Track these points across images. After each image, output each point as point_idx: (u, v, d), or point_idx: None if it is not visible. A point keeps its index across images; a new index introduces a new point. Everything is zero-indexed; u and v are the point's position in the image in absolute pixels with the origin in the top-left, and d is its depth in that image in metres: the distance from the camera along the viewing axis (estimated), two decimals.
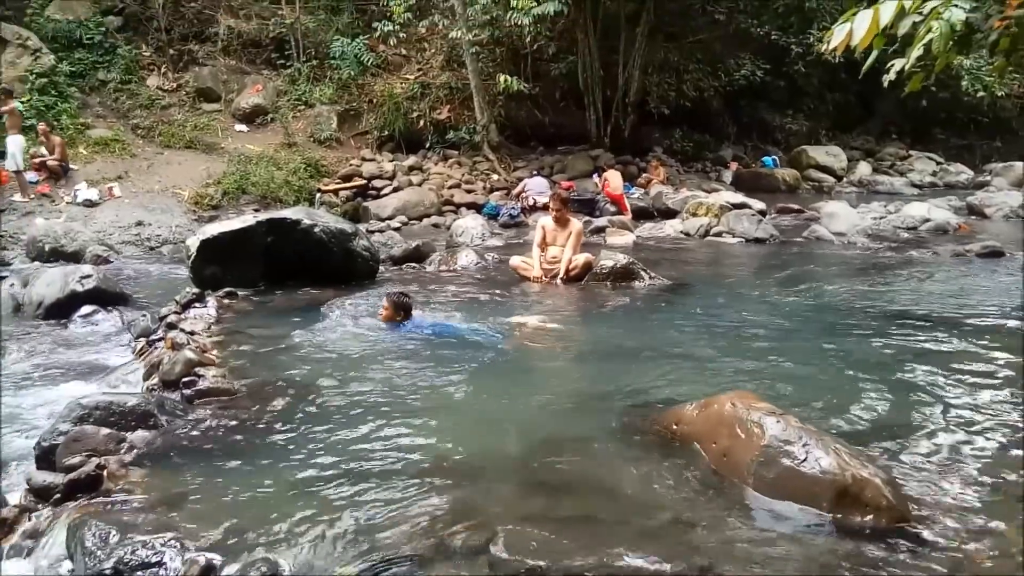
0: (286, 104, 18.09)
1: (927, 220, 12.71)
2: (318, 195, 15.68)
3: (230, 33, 18.81)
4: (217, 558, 2.46)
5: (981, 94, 18.80)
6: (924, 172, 22.25)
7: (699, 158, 20.94)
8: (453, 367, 4.78)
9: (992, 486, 2.99)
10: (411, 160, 17.49)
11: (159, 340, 5.54)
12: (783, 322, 6.09)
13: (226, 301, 6.57)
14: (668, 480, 3.03)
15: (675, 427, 3.42)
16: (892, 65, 3.98)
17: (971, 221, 13.71)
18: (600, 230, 12.21)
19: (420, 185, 16.54)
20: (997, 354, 4.94)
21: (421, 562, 2.41)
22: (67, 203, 13.45)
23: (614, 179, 15.74)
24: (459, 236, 12.26)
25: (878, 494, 2.67)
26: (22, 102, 14.62)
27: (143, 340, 5.96)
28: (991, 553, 2.51)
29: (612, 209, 15.10)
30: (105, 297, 7.89)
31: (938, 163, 23.06)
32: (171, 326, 5.72)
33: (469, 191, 16.64)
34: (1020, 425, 3.64)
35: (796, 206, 15.22)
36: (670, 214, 14.50)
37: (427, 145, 17.97)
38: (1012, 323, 5.89)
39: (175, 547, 2.52)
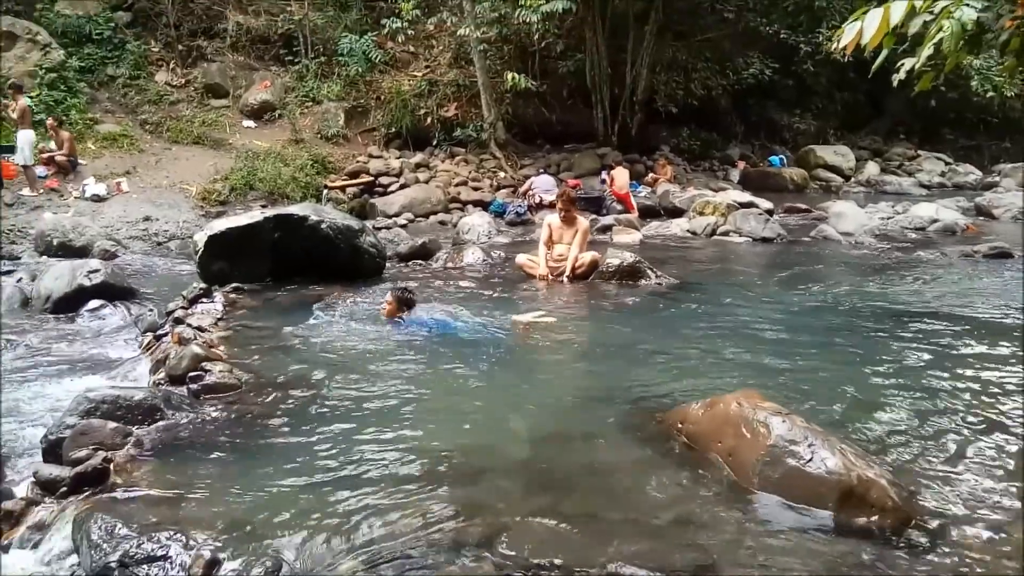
0: (294, 100, 18.12)
1: (935, 221, 12.67)
2: (325, 192, 15.71)
3: (239, 29, 18.84)
4: (222, 552, 2.46)
5: (991, 94, 18.71)
6: (932, 172, 22.17)
7: (706, 157, 20.90)
8: (458, 364, 4.78)
9: (998, 487, 2.97)
10: (418, 157, 17.50)
11: (166, 335, 5.55)
12: (789, 322, 6.07)
13: (233, 296, 6.59)
14: (673, 479, 3.03)
15: (680, 426, 3.41)
16: (902, 64, 3.96)
17: (979, 222, 13.66)
18: (607, 228, 12.20)
19: (427, 182, 16.55)
20: (1004, 355, 4.92)
21: (425, 559, 2.42)
22: (75, 198, 13.51)
23: (620, 177, 15.72)
24: (465, 234, 12.26)
25: (884, 495, 2.66)
26: (31, 97, 14.68)
27: (150, 335, 5.97)
28: (997, 554, 2.49)
29: (619, 207, 15.09)
30: (113, 292, 7.91)
31: (947, 163, 22.98)
32: (178, 321, 5.73)
33: (476, 189, 16.64)
34: None
35: (803, 206, 15.19)
36: (677, 213, 14.49)
37: (434, 142, 17.98)
38: (1019, 324, 5.86)
39: (181, 541, 2.53)
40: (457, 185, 16.63)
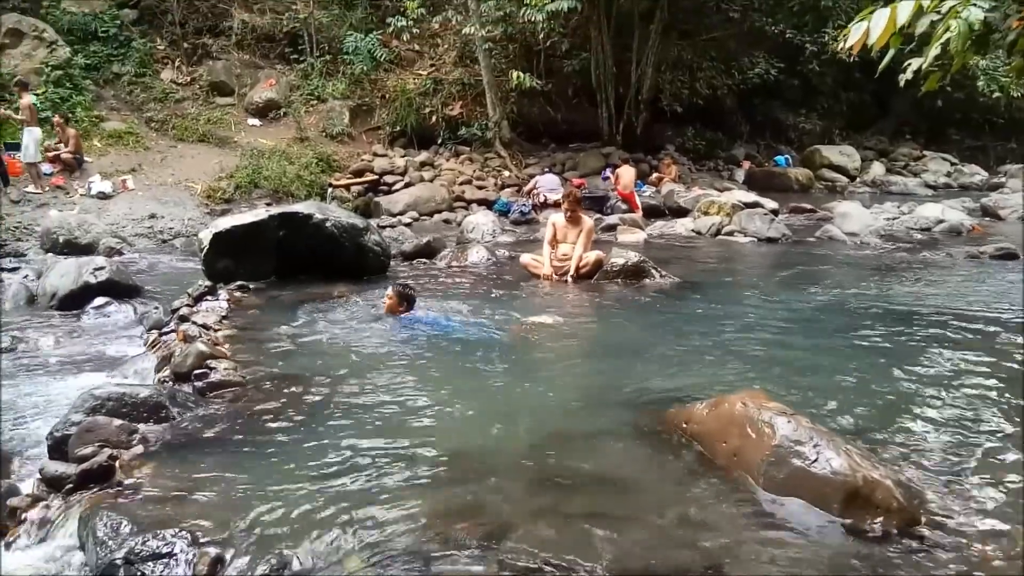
0: (299, 99, 18.13)
1: (941, 221, 12.63)
2: (329, 190, 15.72)
3: (244, 27, 18.86)
4: (227, 550, 2.47)
5: (997, 95, 18.67)
6: (938, 173, 22.12)
7: (711, 156, 20.87)
8: (461, 364, 4.79)
9: (1004, 488, 2.97)
10: (423, 156, 17.51)
11: (171, 332, 5.57)
12: (794, 322, 6.06)
13: (238, 294, 6.60)
14: (678, 479, 3.03)
15: (685, 426, 3.41)
16: (908, 64, 3.94)
17: (985, 223, 13.62)
18: (611, 228, 12.19)
19: (431, 181, 16.56)
20: (1011, 356, 4.90)
21: (429, 557, 2.42)
22: (81, 195, 13.54)
23: (626, 176, 15.70)
24: (470, 232, 12.26)
25: (889, 496, 2.66)
26: (37, 94, 14.71)
27: (155, 332, 5.99)
28: (1003, 556, 2.49)
29: (623, 207, 15.08)
30: (118, 289, 7.94)
31: (952, 164, 22.92)
32: (183, 319, 5.74)
33: (480, 187, 16.64)
34: None
35: (809, 206, 15.15)
36: (682, 212, 14.47)
37: (439, 141, 17.98)
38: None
39: (186, 538, 2.53)
40: (461, 184, 16.64)
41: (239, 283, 6.84)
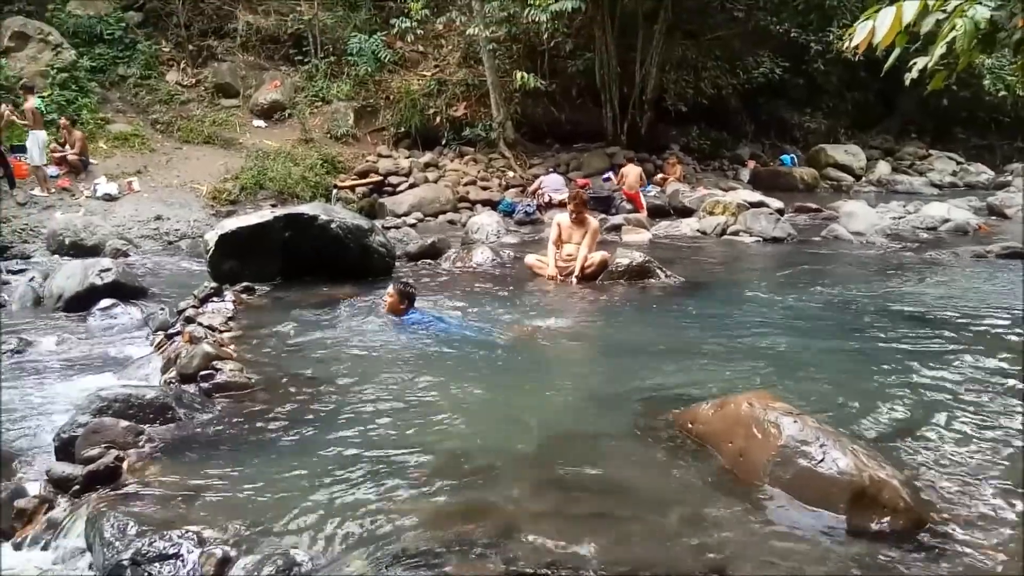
0: (303, 100, 18.16)
1: (947, 220, 12.60)
2: (334, 191, 15.74)
3: (249, 29, 18.89)
4: (234, 551, 2.47)
5: (1003, 93, 18.60)
6: (944, 172, 22.05)
7: (716, 156, 20.84)
8: (466, 364, 4.79)
9: (1012, 488, 2.96)
10: (427, 157, 17.52)
11: (177, 334, 5.58)
12: (800, 322, 6.05)
13: (243, 296, 6.61)
14: (683, 479, 3.02)
15: (691, 426, 3.40)
16: (914, 63, 3.94)
17: (991, 222, 13.57)
18: (616, 228, 12.18)
19: (436, 182, 16.57)
20: (1018, 355, 4.88)
21: (435, 557, 2.42)
22: (87, 197, 13.58)
23: (631, 175, 15.68)
24: (474, 233, 12.26)
25: (896, 496, 2.65)
26: (43, 97, 14.77)
27: (161, 333, 6.00)
28: (1010, 556, 2.48)
29: (628, 207, 15.07)
30: (124, 291, 7.96)
31: (958, 163, 22.85)
32: (189, 320, 5.75)
33: (485, 188, 16.65)
34: None
35: (814, 205, 15.12)
36: (687, 212, 14.45)
37: (443, 142, 17.99)
38: None
39: (192, 539, 2.54)
40: (466, 184, 16.65)
41: (245, 284, 6.85)
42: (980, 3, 3.38)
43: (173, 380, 4.57)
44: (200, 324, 5.49)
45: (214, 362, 4.46)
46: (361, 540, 2.53)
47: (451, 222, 15.01)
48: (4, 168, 13.16)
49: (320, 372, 4.52)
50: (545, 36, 16.79)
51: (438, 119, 17.88)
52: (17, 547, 2.98)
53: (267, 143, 16.66)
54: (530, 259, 8.24)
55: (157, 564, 2.47)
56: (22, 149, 13.64)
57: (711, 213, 12.95)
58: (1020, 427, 3.60)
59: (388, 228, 12.29)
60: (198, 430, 3.62)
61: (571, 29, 17.60)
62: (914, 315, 6.22)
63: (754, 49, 20.03)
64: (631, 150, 18.55)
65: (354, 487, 2.95)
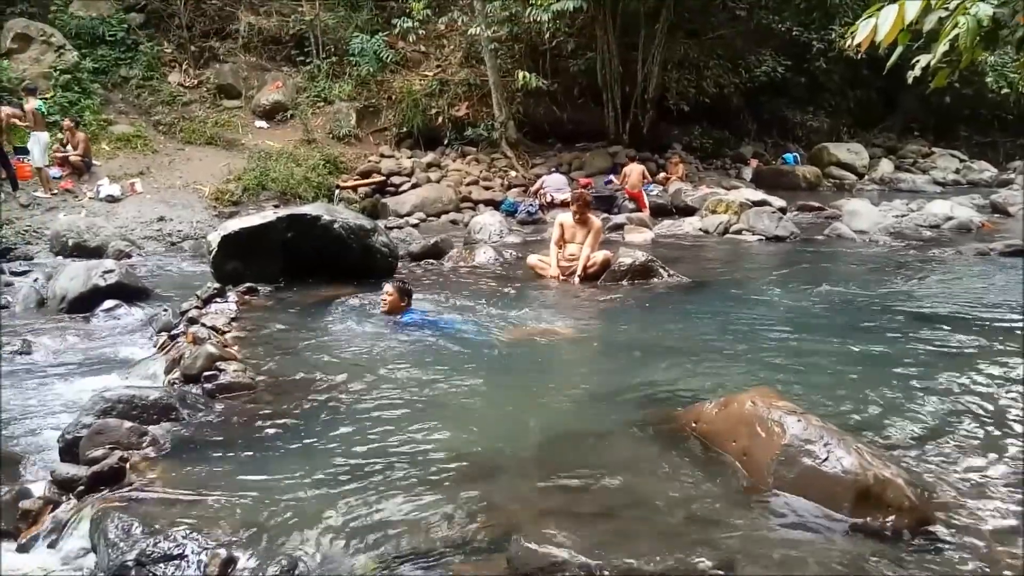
0: (305, 101, 18.17)
1: (950, 218, 12.57)
2: (337, 191, 15.75)
3: (251, 30, 18.90)
4: (238, 551, 2.48)
5: (1006, 91, 18.56)
6: (947, 170, 21.99)
7: (719, 155, 20.81)
8: (469, 364, 4.79)
9: (1016, 486, 2.95)
10: (429, 157, 17.53)
11: (180, 334, 5.59)
12: (803, 320, 6.05)
13: (246, 296, 6.62)
14: (687, 478, 3.02)
15: (694, 425, 3.40)
16: (917, 61, 3.94)
17: (995, 219, 13.54)
18: (619, 227, 12.17)
19: (438, 182, 16.58)
20: (1020, 354, 4.87)
21: (439, 557, 2.42)
22: (90, 199, 13.60)
23: (633, 174, 15.67)
24: (477, 233, 12.26)
25: (900, 494, 2.64)
26: (45, 98, 14.79)
27: (165, 334, 6.01)
28: (1015, 555, 2.47)
29: (631, 206, 15.06)
30: (127, 291, 7.97)
31: (961, 160, 22.80)
32: (192, 320, 5.76)
33: (487, 188, 16.65)
34: None
35: (817, 204, 15.09)
36: (689, 211, 14.43)
37: (445, 142, 18.00)
38: None
39: (197, 540, 2.54)
40: (468, 184, 16.65)
41: (248, 285, 6.85)
42: (982, 0, 3.37)
43: (177, 381, 4.58)
44: (203, 325, 5.49)
45: (217, 363, 4.47)
46: (365, 540, 2.53)
47: (453, 222, 15.01)
48: (7, 170, 13.19)
49: (323, 372, 4.52)
50: (547, 36, 16.79)
51: (440, 119, 17.89)
52: (22, 548, 2.98)
53: (269, 144, 16.67)
54: (532, 259, 8.24)
55: (162, 564, 2.47)
56: (25, 151, 13.67)
57: (713, 212, 12.93)
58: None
59: (391, 228, 12.29)
60: (202, 431, 3.63)
61: (573, 28, 17.59)
62: (917, 313, 6.21)
63: (756, 48, 20.00)
64: (633, 149, 18.54)
65: (358, 487, 2.95)
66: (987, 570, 2.39)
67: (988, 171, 21.83)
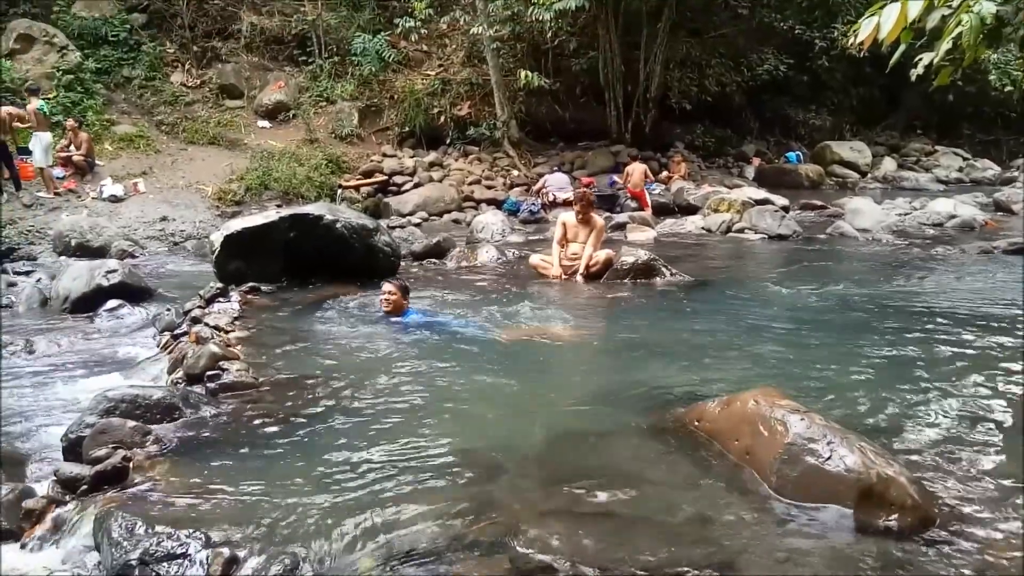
0: (308, 100, 18.20)
1: (953, 216, 12.55)
2: (339, 191, 15.77)
3: (253, 30, 18.93)
4: (241, 551, 2.48)
5: (1009, 89, 18.51)
6: (950, 168, 21.97)
7: (721, 154, 20.81)
8: (471, 363, 4.79)
9: (1020, 485, 2.94)
10: (432, 156, 17.55)
11: (184, 334, 5.59)
12: (806, 319, 6.04)
13: (249, 296, 6.62)
14: (690, 478, 3.02)
15: (697, 424, 3.40)
16: (920, 59, 3.93)
17: (998, 217, 13.51)
18: (621, 226, 12.17)
19: (440, 181, 16.59)
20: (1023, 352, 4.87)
21: (442, 556, 2.42)
22: (93, 199, 13.62)
23: (636, 173, 15.67)
24: (479, 232, 12.26)
25: (904, 493, 2.64)
26: (48, 99, 14.81)
27: (168, 334, 6.02)
28: (1018, 553, 2.47)
29: (633, 205, 15.06)
30: (130, 291, 7.98)
31: (964, 159, 22.77)
32: (195, 320, 5.77)
33: (489, 187, 16.66)
34: None
35: (819, 202, 15.09)
36: (691, 210, 14.43)
37: (447, 141, 18.01)
38: None
39: (200, 539, 2.54)
40: (471, 184, 16.66)
41: (251, 284, 6.85)
42: None
43: (180, 380, 4.58)
44: (206, 324, 5.50)
45: (220, 362, 4.47)
46: (368, 539, 2.53)
47: (456, 221, 15.02)
48: (10, 170, 13.21)
49: (326, 372, 4.52)
50: (549, 35, 16.79)
51: (442, 118, 17.90)
52: (25, 547, 2.99)
53: (272, 143, 16.69)
54: (535, 259, 8.24)
55: (165, 564, 2.47)
56: (28, 151, 13.69)
57: (716, 211, 12.93)
58: None
59: (393, 227, 12.29)
60: (205, 430, 3.63)
61: (575, 28, 17.60)
62: (920, 312, 6.20)
63: (758, 46, 19.99)
64: (635, 148, 18.55)
65: (360, 486, 2.95)
66: (989, 569, 2.39)
67: (991, 169, 21.80)
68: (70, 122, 14.48)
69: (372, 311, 6.09)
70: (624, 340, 5.55)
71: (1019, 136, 24.67)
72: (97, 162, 14.68)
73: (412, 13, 17.05)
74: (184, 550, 2.50)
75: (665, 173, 17.88)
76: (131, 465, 3.17)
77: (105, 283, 7.87)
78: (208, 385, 4.25)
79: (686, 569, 2.34)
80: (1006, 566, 2.40)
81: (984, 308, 6.32)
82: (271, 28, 19.17)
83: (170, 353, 5.47)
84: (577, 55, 18.25)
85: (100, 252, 10.99)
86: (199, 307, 6.20)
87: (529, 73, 16.21)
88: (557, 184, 15.66)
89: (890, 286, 7.49)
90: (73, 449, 3.51)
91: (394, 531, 2.58)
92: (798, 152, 21.34)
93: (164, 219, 13.35)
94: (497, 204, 15.65)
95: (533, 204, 15.09)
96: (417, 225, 14.15)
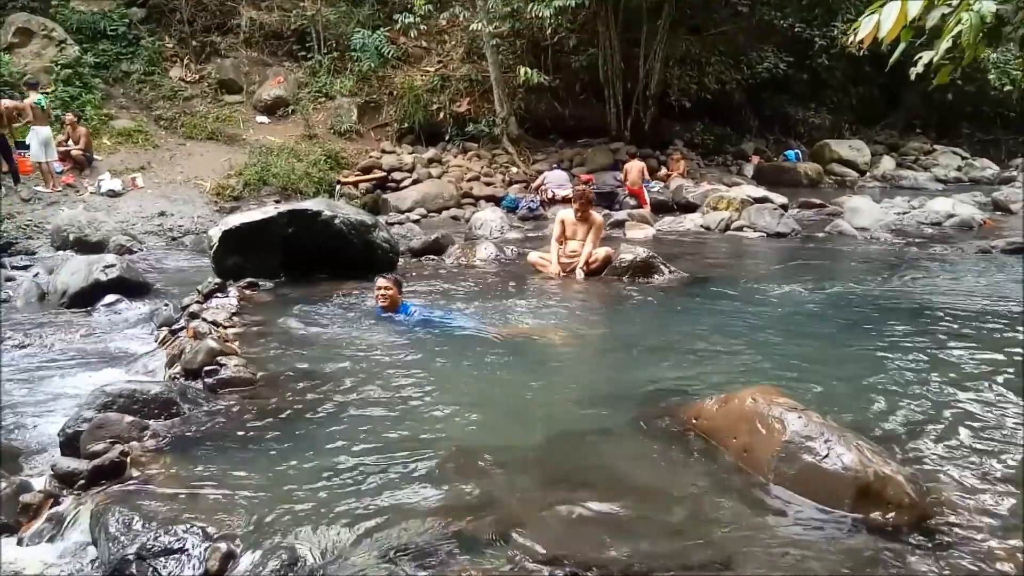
0: (307, 96, 18.17)
1: (951, 216, 12.57)
2: (338, 187, 15.76)
3: (252, 25, 18.90)
4: (238, 546, 2.48)
5: (1008, 88, 18.52)
6: (949, 167, 21.99)
7: (720, 151, 20.82)
8: (470, 360, 4.79)
9: (1017, 483, 2.95)
10: (430, 152, 17.53)
11: (181, 329, 5.59)
12: (804, 318, 6.04)
13: (247, 291, 6.62)
14: (687, 475, 3.02)
15: (695, 422, 3.40)
16: (920, 58, 3.93)
17: (996, 217, 13.53)
18: (620, 224, 12.17)
19: (439, 178, 16.58)
20: (1020, 352, 4.87)
21: (440, 553, 2.42)
22: (91, 193, 13.61)
23: (633, 171, 15.67)
24: (478, 229, 12.26)
25: (900, 491, 2.64)
26: (47, 93, 14.78)
27: (166, 329, 6.01)
28: (1015, 552, 2.47)
29: (632, 203, 15.06)
30: (128, 286, 7.98)
31: (963, 158, 22.80)
32: (193, 315, 5.76)
33: (488, 184, 16.66)
34: None
35: (818, 200, 15.11)
36: (690, 208, 14.44)
37: (447, 137, 18.00)
38: None
39: (197, 534, 2.54)
40: (470, 180, 16.66)
41: (249, 280, 6.86)
42: None
43: (177, 375, 4.58)
44: (204, 320, 5.50)
45: (218, 357, 4.47)
46: (365, 536, 2.53)
47: (455, 218, 15.02)
48: (9, 163, 13.19)
49: (324, 368, 4.52)
50: (549, 31, 16.77)
51: (441, 115, 17.89)
52: (22, 542, 2.99)
53: (270, 139, 16.67)
54: (533, 256, 8.24)
55: (162, 559, 2.47)
56: (27, 146, 13.65)
57: (715, 208, 12.93)
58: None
59: (392, 224, 12.29)
60: (202, 425, 3.63)
61: (575, 24, 17.58)
62: (919, 311, 6.20)
63: (758, 44, 19.99)
64: (634, 146, 18.55)
65: (358, 483, 2.96)
66: (987, 567, 2.39)
67: (990, 168, 21.83)
68: (68, 116, 14.46)
69: (370, 307, 6.09)
70: (622, 338, 5.55)
71: (1018, 136, 24.68)
72: (95, 157, 14.64)
73: (411, 9, 17.04)
74: (181, 545, 2.50)
75: (664, 171, 17.88)
76: (128, 460, 3.17)
77: (103, 278, 7.86)
78: (206, 380, 4.25)
79: (684, 567, 2.34)
80: (1002, 564, 2.41)
81: (982, 308, 6.32)
82: (270, 23, 19.14)
83: (168, 348, 5.47)
84: (577, 52, 18.24)
85: (98, 247, 10.98)
86: (197, 302, 6.20)
87: (528, 70, 16.20)
88: (556, 181, 15.66)
89: (888, 285, 7.49)
90: (71, 444, 3.50)
91: (392, 528, 2.58)
92: (797, 150, 21.35)
93: (162, 214, 13.34)
94: (496, 201, 15.66)
95: (532, 201, 15.10)
96: (416, 222, 14.15)
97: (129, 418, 3.51)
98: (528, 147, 18.25)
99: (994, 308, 6.29)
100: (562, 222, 8.00)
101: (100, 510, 2.77)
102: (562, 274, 7.77)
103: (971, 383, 4.20)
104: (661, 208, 14.89)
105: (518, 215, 14.58)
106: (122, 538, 2.57)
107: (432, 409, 3.86)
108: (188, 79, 18.09)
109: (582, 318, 6.27)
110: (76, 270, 8.06)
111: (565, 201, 12.63)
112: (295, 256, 7.32)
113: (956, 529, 2.59)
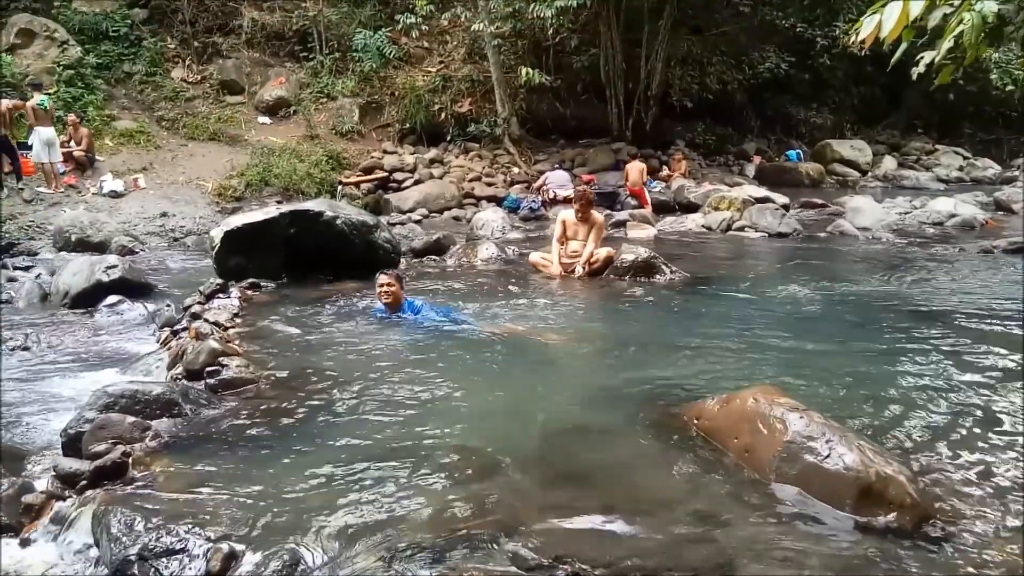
0: (308, 97, 18.18)
1: (953, 215, 12.56)
2: (339, 187, 15.76)
3: (254, 25, 18.92)
4: (240, 546, 2.48)
5: (1010, 88, 18.51)
6: (951, 167, 21.96)
7: (722, 152, 20.80)
8: (472, 360, 4.79)
9: (1018, 483, 2.95)
10: (432, 153, 17.54)
11: (183, 330, 5.60)
12: (806, 317, 6.04)
13: (249, 292, 6.63)
14: (689, 475, 3.02)
15: (696, 422, 3.40)
16: (921, 58, 3.93)
17: (998, 217, 13.51)
18: (621, 224, 12.17)
19: (441, 178, 16.59)
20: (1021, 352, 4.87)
21: (442, 553, 2.42)
22: (93, 194, 13.62)
23: (634, 172, 15.67)
24: (479, 229, 12.26)
25: (902, 491, 2.64)
26: (49, 93, 14.79)
27: (168, 330, 6.02)
28: (1016, 552, 2.47)
29: (633, 203, 15.05)
30: (130, 287, 7.99)
31: (965, 158, 22.76)
32: (195, 316, 5.77)
33: (490, 184, 16.67)
34: None
35: (820, 201, 15.10)
36: (692, 208, 14.43)
37: (448, 138, 18.00)
38: None
39: (199, 535, 2.54)
40: (471, 181, 16.66)
41: (250, 281, 6.86)
42: None
43: (179, 376, 4.58)
44: (206, 320, 5.50)
45: (220, 358, 4.47)
46: (367, 535, 2.53)
47: (456, 218, 15.03)
48: (13, 162, 13.20)
49: (325, 368, 4.52)
50: (550, 32, 16.78)
51: (443, 115, 17.89)
52: (24, 542, 2.99)
53: (272, 139, 16.69)
54: (534, 257, 8.23)
55: (164, 559, 2.48)
56: (30, 147, 13.67)
57: (716, 209, 12.93)
58: None
59: (393, 224, 12.30)
60: (204, 426, 3.63)
61: (576, 25, 17.58)
62: (920, 311, 6.20)
63: (760, 44, 19.98)
64: (636, 146, 18.55)
65: (360, 483, 2.96)
66: (987, 567, 2.39)
67: (992, 168, 21.79)
68: (71, 117, 14.48)
69: (371, 307, 6.09)
70: (623, 338, 5.55)
71: (1020, 135, 24.63)
72: (97, 158, 14.66)
73: (413, 9, 17.05)
74: (183, 545, 2.51)
75: (666, 171, 17.87)
76: (130, 460, 3.17)
77: (105, 279, 7.88)
78: (208, 381, 4.25)
79: (685, 567, 2.34)
80: (1003, 564, 2.41)
81: (984, 308, 6.31)
82: (272, 24, 19.15)
83: (170, 349, 5.48)
84: (578, 52, 18.24)
85: (100, 247, 11.01)
86: (199, 303, 6.20)
87: (530, 70, 16.20)
88: (557, 181, 15.66)
89: (890, 285, 7.49)
90: (72, 444, 3.51)
91: (393, 527, 2.58)
92: (799, 150, 21.33)
93: (164, 215, 13.36)
94: (497, 201, 15.66)
95: (533, 201, 15.10)
96: (417, 222, 14.16)
97: (131, 419, 3.51)
98: (529, 147, 18.25)
99: (996, 308, 6.28)
100: (563, 222, 8.00)
101: (102, 511, 2.77)
102: (563, 274, 7.77)
103: (972, 383, 4.19)
104: (662, 208, 14.88)
105: (519, 215, 14.58)
106: (124, 539, 2.58)
107: (433, 409, 3.86)
108: (190, 80, 18.11)
109: (583, 318, 6.27)
110: (78, 271, 8.08)
111: (566, 201, 12.64)
112: (297, 257, 7.32)
113: (957, 530, 2.59)
